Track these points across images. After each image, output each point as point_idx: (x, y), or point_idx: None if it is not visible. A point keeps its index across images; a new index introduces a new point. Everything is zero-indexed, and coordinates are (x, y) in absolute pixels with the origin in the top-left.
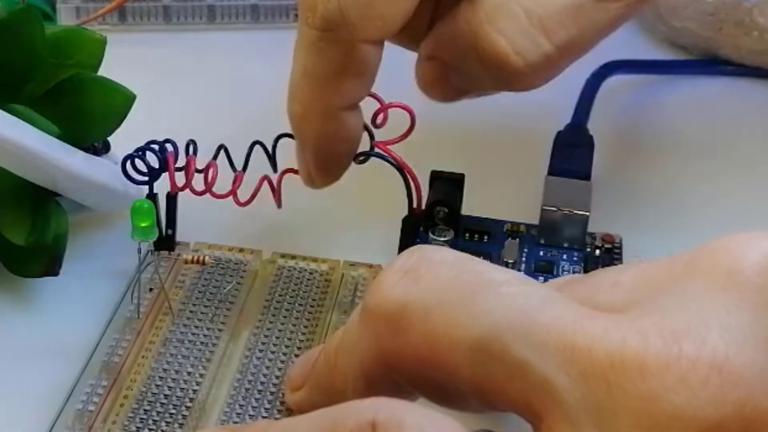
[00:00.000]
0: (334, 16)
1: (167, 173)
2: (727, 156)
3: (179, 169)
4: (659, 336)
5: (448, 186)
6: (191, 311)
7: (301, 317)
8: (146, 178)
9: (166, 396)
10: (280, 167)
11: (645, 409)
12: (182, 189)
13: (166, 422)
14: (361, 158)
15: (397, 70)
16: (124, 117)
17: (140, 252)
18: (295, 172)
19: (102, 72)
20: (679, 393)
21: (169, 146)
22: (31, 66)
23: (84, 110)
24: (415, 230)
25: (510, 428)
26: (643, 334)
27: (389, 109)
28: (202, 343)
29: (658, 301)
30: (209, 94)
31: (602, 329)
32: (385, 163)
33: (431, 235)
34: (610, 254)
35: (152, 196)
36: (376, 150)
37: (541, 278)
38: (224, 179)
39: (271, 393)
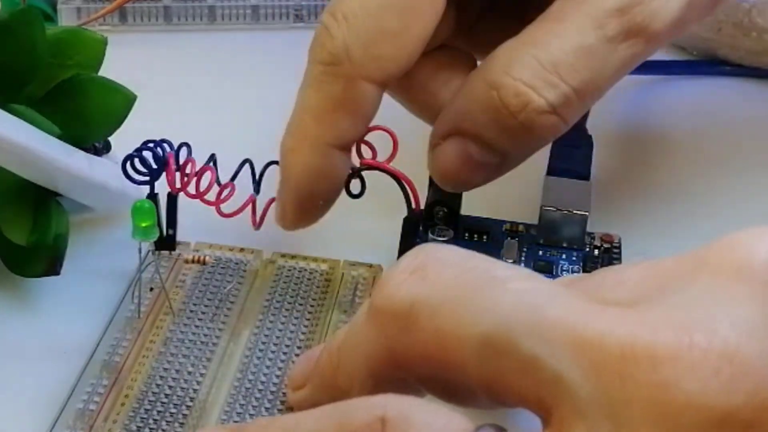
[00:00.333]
0: (338, 51)
1: (166, 173)
2: (725, 156)
3: (179, 170)
4: (670, 327)
5: None
6: (192, 311)
7: (301, 317)
8: (146, 178)
9: (166, 395)
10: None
11: (656, 399)
12: (179, 191)
13: (167, 421)
14: (353, 177)
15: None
16: (125, 117)
17: (141, 252)
18: None
19: (102, 72)
20: (690, 382)
21: (166, 146)
22: (31, 66)
23: (84, 110)
24: (415, 230)
25: (517, 424)
26: (653, 325)
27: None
28: (202, 342)
29: (666, 296)
30: (209, 95)
31: (612, 322)
32: None
33: (431, 235)
34: (610, 254)
35: (153, 196)
36: (365, 166)
37: None
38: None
39: (272, 392)
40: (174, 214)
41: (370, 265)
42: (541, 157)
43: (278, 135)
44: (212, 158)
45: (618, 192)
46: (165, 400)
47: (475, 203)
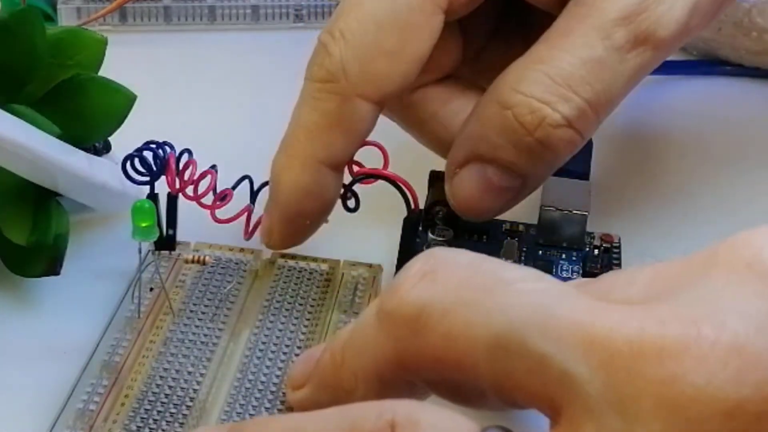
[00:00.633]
0: (335, 69)
1: (166, 174)
2: (725, 156)
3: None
4: (678, 321)
5: None
6: (192, 311)
7: (301, 317)
8: (146, 178)
9: (166, 395)
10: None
11: (665, 393)
12: (178, 191)
13: (167, 421)
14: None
15: None
16: (125, 117)
17: (141, 252)
18: None
19: (102, 72)
20: (698, 374)
21: (167, 148)
22: (32, 66)
23: (85, 110)
24: (415, 230)
25: (523, 426)
26: (661, 320)
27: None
28: (202, 342)
29: (675, 294)
30: (209, 95)
31: (620, 319)
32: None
33: (431, 235)
34: (609, 254)
35: (153, 196)
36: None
37: None
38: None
39: (272, 392)
40: (174, 214)
41: (370, 265)
42: None
43: (278, 135)
44: (214, 167)
45: (618, 192)
46: (165, 400)
47: None
